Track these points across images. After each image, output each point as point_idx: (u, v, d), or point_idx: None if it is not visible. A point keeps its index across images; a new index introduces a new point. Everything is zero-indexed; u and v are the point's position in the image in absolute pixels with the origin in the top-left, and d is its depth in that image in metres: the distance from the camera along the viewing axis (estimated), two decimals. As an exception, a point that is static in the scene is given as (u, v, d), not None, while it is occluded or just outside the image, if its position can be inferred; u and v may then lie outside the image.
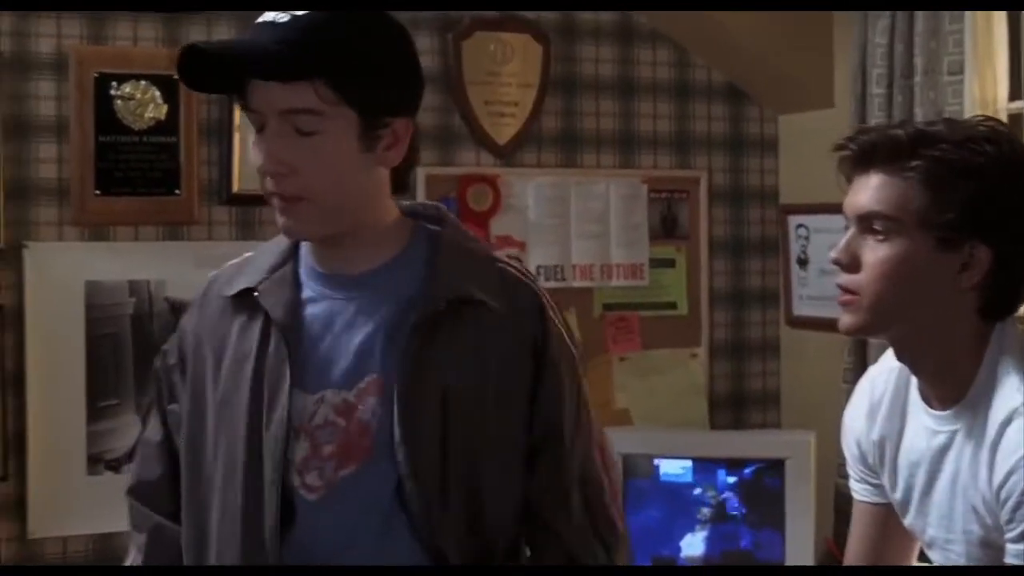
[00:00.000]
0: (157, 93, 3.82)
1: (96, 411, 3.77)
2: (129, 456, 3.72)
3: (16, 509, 3.71)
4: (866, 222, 2.14)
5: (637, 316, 4.46)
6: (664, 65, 4.49)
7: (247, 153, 3.79)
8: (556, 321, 2.16)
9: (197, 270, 3.76)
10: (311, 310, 2.15)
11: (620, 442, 4.03)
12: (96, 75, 3.77)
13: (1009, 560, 2.07)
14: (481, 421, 2.10)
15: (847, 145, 2.20)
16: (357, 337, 2.10)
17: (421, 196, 4.00)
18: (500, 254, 2.24)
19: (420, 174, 4.12)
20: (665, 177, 4.51)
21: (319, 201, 2.04)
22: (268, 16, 2.01)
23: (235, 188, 3.89)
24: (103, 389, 3.77)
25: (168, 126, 3.83)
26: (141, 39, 3.84)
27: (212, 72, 2.00)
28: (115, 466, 3.77)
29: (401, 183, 2.16)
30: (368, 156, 2.05)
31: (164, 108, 3.83)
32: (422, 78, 2.11)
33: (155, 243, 3.85)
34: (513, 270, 2.18)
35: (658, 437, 4.17)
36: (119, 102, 3.79)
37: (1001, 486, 2.07)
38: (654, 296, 4.49)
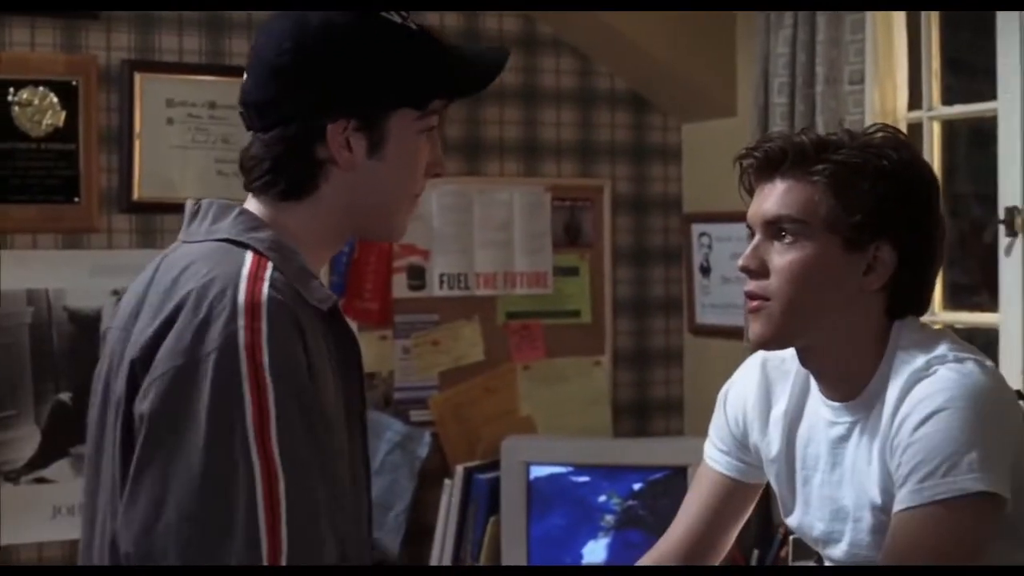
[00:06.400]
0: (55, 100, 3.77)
1: (-8, 422, 3.70)
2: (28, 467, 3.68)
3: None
4: (774, 227, 2.17)
5: (541, 324, 4.45)
6: (568, 73, 4.49)
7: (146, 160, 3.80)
8: None
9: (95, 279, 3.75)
10: None
11: (524, 450, 4.04)
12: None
13: (897, 508, 2.07)
14: None
15: (751, 153, 2.22)
16: None
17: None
18: None
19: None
20: (569, 185, 4.51)
21: None
22: None
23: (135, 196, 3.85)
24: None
25: (66, 133, 3.77)
26: (40, 44, 3.78)
27: None
28: (13, 477, 3.71)
29: None
30: None
31: (62, 115, 3.77)
32: None
33: (54, 251, 3.79)
34: None
35: (562, 445, 4.17)
36: (16, 108, 3.74)
37: (898, 467, 2.09)
38: (558, 304, 4.49)
